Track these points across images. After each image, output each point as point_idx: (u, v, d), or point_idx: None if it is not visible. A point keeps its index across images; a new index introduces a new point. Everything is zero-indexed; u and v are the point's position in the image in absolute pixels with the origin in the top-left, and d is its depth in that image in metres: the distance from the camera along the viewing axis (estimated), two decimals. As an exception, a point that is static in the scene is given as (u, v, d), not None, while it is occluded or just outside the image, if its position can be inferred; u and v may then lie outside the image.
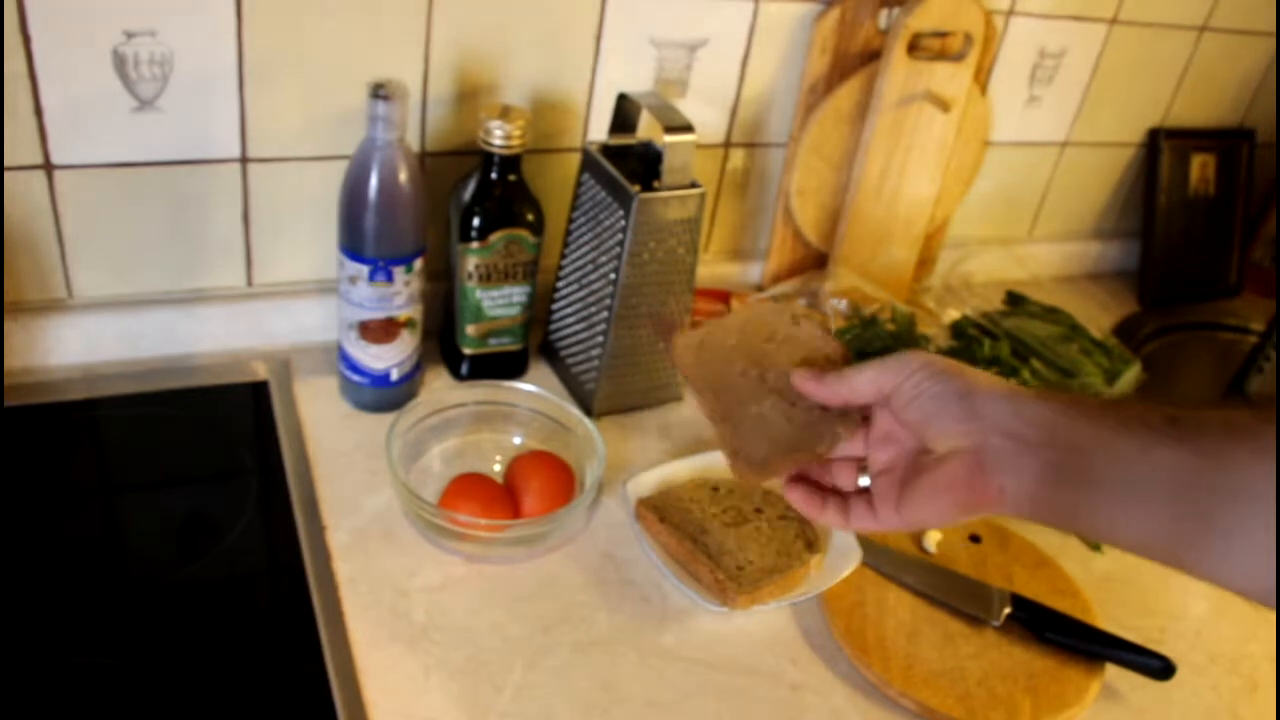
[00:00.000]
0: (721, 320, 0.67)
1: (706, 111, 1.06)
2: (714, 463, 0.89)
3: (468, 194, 0.91)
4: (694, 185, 0.90)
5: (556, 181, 1.00)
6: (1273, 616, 0.89)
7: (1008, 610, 0.81)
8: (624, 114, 0.94)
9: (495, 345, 0.97)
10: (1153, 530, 0.52)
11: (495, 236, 0.91)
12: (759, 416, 0.64)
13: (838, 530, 0.64)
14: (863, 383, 0.60)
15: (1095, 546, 0.93)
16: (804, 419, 0.63)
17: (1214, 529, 0.49)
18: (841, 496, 0.63)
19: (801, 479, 0.64)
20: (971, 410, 0.56)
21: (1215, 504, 0.49)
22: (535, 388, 0.91)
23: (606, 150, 0.93)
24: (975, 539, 0.89)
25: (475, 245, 0.91)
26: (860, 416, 0.62)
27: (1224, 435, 0.50)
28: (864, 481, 0.63)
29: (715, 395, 0.65)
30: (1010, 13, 1.14)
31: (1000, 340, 1.11)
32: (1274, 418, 0.49)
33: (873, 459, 0.62)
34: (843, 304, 1.10)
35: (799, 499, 0.64)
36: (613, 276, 0.91)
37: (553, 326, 1.01)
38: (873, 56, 1.06)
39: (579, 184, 0.95)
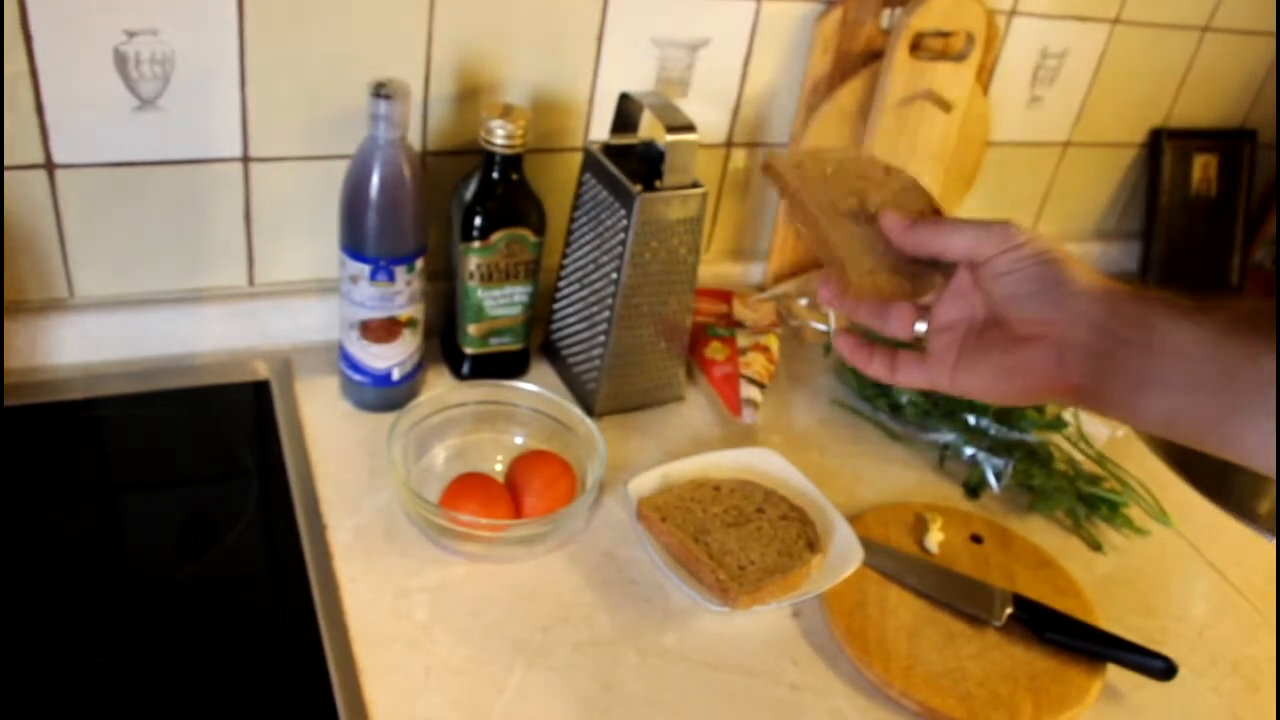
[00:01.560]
0: (816, 149, 0.65)
1: (708, 111, 1.05)
2: (715, 462, 0.89)
3: (469, 193, 0.91)
4: (696, 185, 0.89)
5: (558, 181, 1.00)
6: (1274, 618, 0.89)
7: (1009, 610, 0.81)
8: (626, 113, 0.94)
9: (497, 345, 0.97)
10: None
11: (497, 236, 0.91)
12: (866, 235, 0.61)
13: (883, 381, 0.63)
14: (958, 241, 0.58)
15: (1097, 547, 0.93)
16: (902, 256, 0.61)
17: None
18: (888, 349, 0.62)
19: (847, 328, 0.64)
20: (1065, 301, 0.54)
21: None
22: (536, 387, 0.91)
23: (608, 150, 0.93)
24: (977, 539, 0.89)
25: (477, 244, 0.91)
26: (953, 268, 0.60)
27: None
28: (920, 328, 0.61)
29: (820, 210, 0.62)
30: (1012, 13, 1.13)
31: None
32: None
33: (938, 313, 0.61)
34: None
35: (846, 347, 0.63)
36: (614, 276, 0.91)
37: (554, 326, 1.01)
38: (875, 56, 1.06)
39: (581, 183, 0.95)
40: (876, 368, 0.62)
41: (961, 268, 0.60)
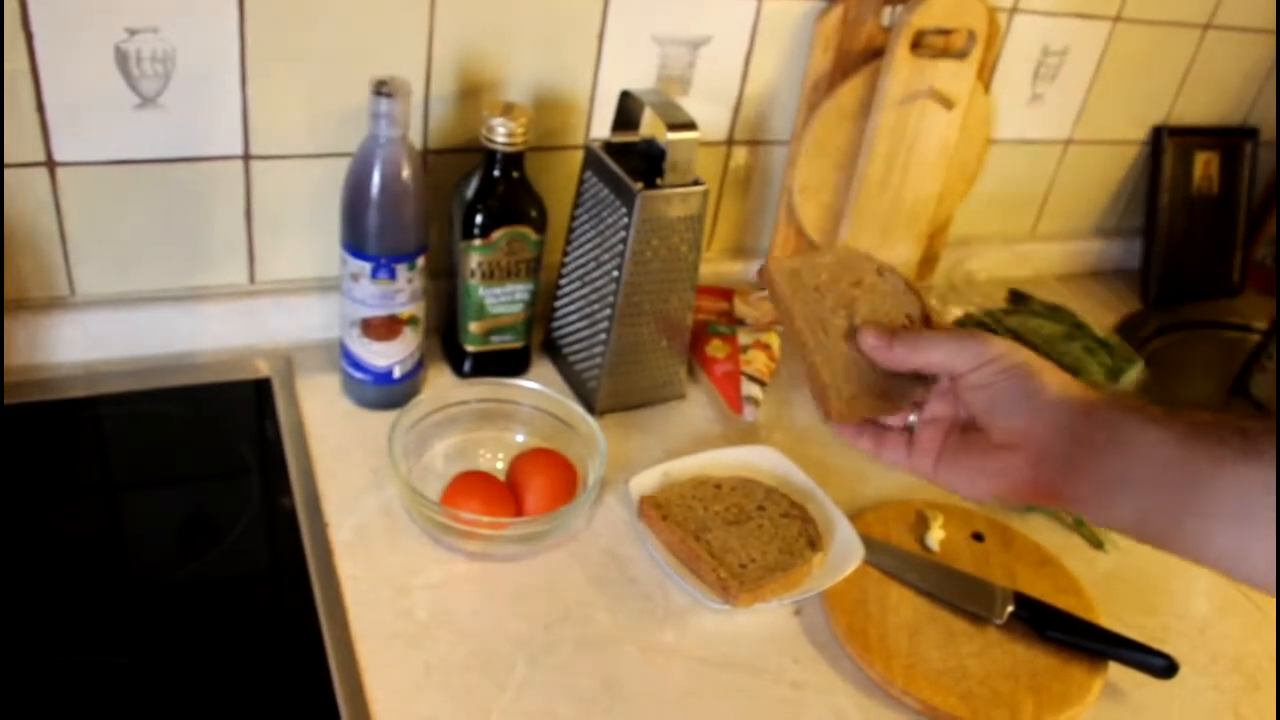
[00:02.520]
0: (811, 256, 0.67)
1: (709, 109, 1.05)
2: (716, 460, 0.89)
3: (470, 191, 0.91)
4: (697, 183, 0.89)
5: (559, 179, 1.00)
6: (1274, 615, 0.89)
7: (1010, 609, 0.81)
8: (627, 111, 0.94)
9: (498, 343, 0.97)
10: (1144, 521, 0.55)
11: (498, 234, 0.91)
12: (849, 357, 0.64)
13: (867, 455, 0.66)
14: (934, 357, 0.61)
15: (1099, 545, 0.93)
16: (885, 372, 0.64)
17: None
18: (878, 429, 0.65)
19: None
20: (1039, 412, 0.57)
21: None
22: (538, 385, 0.91)
23: (609, 148, 0.93)
24: (978, 537, 0.89)
25: (478, 242, 0.91)
26: (935, 379, 0.64)
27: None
28: (911, 419, 0.64)
29: (808, 326, 0.65)
30: (1014, 10, 1.13)
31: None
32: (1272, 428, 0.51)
33: (926, 407, 0.64)
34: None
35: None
36: (615, 274, 0.91)
37: (555, 324, 1.01)
38: (876, 54, 1.06)
39: (582, 181, 0.95)
40: (864, 443, 0.66)
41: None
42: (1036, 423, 0.57)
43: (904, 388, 0.64)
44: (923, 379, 0.64)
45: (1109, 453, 0.55)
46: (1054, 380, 0.58)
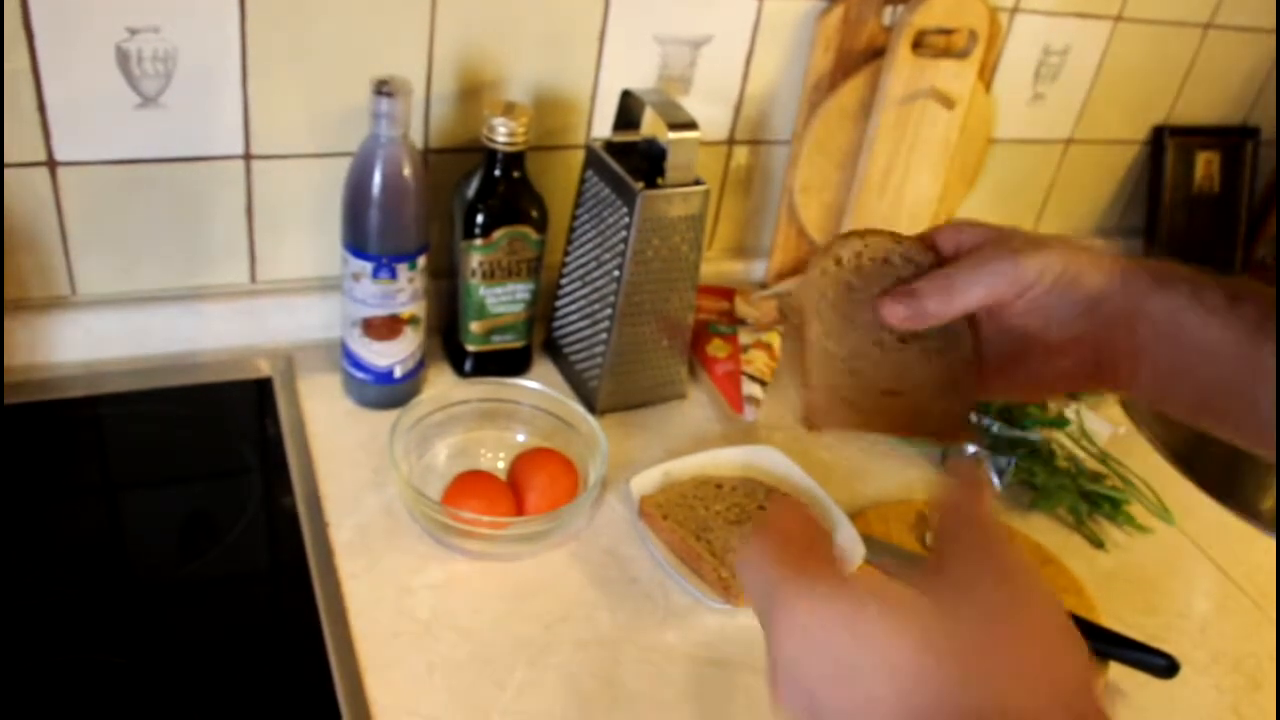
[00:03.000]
0: (819, 278, 0.58)
1: (710, 109, 1.05)
2: (717, 460, 0.89)
3: (471, 191, 0.91)
4: (698, 182, 0.89)
5: (560, 178, 1.00)
6: (1275, 615, 0.89)
7: (1011, 608, 0.81)
8: (628, 111, 0.94)
9: (499, 342, 0.97)
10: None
11: (499, 233, 0.91)
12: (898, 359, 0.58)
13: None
14: (973, 298, 0.54)
15: (1099, 544, 0.93)
16: (935, 353, 0.58)
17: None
18: None
19: None
20: (1094, 315, 0.53)
21: None
22: (539, 385, 0.91)
23: (610, 147, 0.93)
24: (979, 537, 0.89)
25: (479, 242, 0.91)
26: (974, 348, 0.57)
27: None
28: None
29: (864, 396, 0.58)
30: (1015, 10, 1.13)
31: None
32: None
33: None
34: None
35: None
36: (616, 274, 0.91)
37: (556, 323, 1.01)
38: (877, 54, 1.06)
39: (583, 181, 0.95)
40: None
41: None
42: (1093, 322, 0.53)
43: (951, 349, 0.57)
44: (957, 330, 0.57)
45: (1170, 345, 0.52)
46: (1096, 273, 0.53)
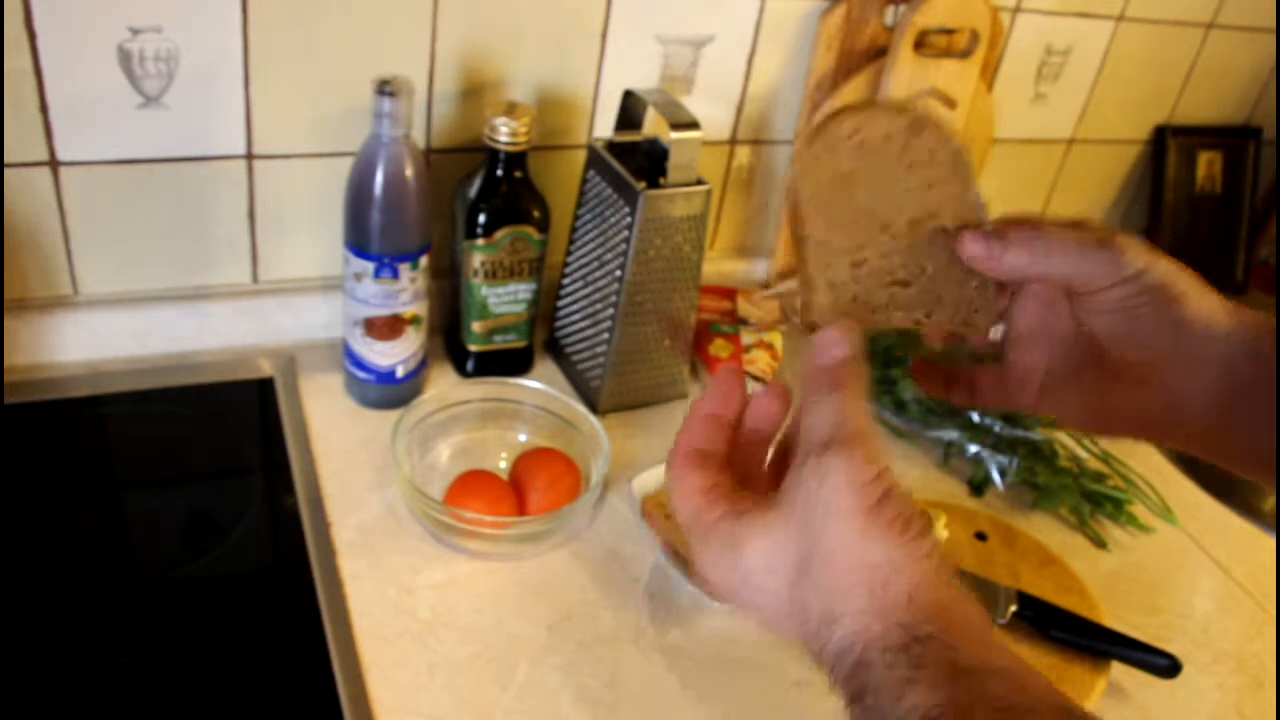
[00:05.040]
0: (872, 110, 0.52)
1: (712, 108, 1.05)
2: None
3: (473, 191, 0.91)
4: (700, 182, 0.89)
5: (562, 178, 1.00)
6: (1277, 614, 0.89)
7: (1014, 608, 0.81)
8: (630, 111, 0.94)
9: (501, 342, 0.97)
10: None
11: (501, 233, 0.91)
12: (910, 249, 0.53)
13: (964, 405, 0.59)
14: (1058, 270, 0.49)
15: (1102, 544, 0.93)
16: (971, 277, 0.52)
17: None
18: (967, 373, 0.56)
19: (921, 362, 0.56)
20: (1186, 345, 0.47)
21: None
22: (541, 385, 0.91)
23: (612, 147, 0.93)
24: (981, 537, 0.89)
25: (481, 242, 0.91)
26: (1005, 296, 0.52)
27: None
28: (996, 334, 0.53)
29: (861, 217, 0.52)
30: (1017, 10, 1.13)
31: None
32: None
33: (1019, 322, 0.52)
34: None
35: (922, 379, 0.57)
36: (618, 273, 0.91)
37: (558, 323, 1.01)
38: (879, 53, 1.06)
39: (585, 181, 0.95)
40: (958, 395, 0.56)
41: (1033, 297, 0.52)
42: (1178, 358, 0.47)
43: (979, 297, 0.52)
44: (1002, 288, 0.51)
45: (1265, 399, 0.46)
46: (1203, 305, 0.47)
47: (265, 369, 0.96)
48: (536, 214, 0.92)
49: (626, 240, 0.89)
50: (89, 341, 0.92)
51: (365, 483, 0.85)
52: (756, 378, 1.00)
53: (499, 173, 0.90)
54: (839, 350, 0.47)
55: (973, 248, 0.50)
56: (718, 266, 1.15)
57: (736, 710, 0.72)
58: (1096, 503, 0.95)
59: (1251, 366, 0.47)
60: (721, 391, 0.52)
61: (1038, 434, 0.99)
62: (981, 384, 0.55)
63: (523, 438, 0.91)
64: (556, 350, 1.02)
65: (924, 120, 0.52)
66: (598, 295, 0.94)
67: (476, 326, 0.95)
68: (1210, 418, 0.48)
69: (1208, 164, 1.39)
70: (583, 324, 0.97)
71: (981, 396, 0.55)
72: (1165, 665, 0.78)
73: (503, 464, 0.89)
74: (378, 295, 0.86)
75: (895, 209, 0.52)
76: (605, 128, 0.98)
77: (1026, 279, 0.50)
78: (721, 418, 0.51)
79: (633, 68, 0.99)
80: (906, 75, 1.05)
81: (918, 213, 0.52)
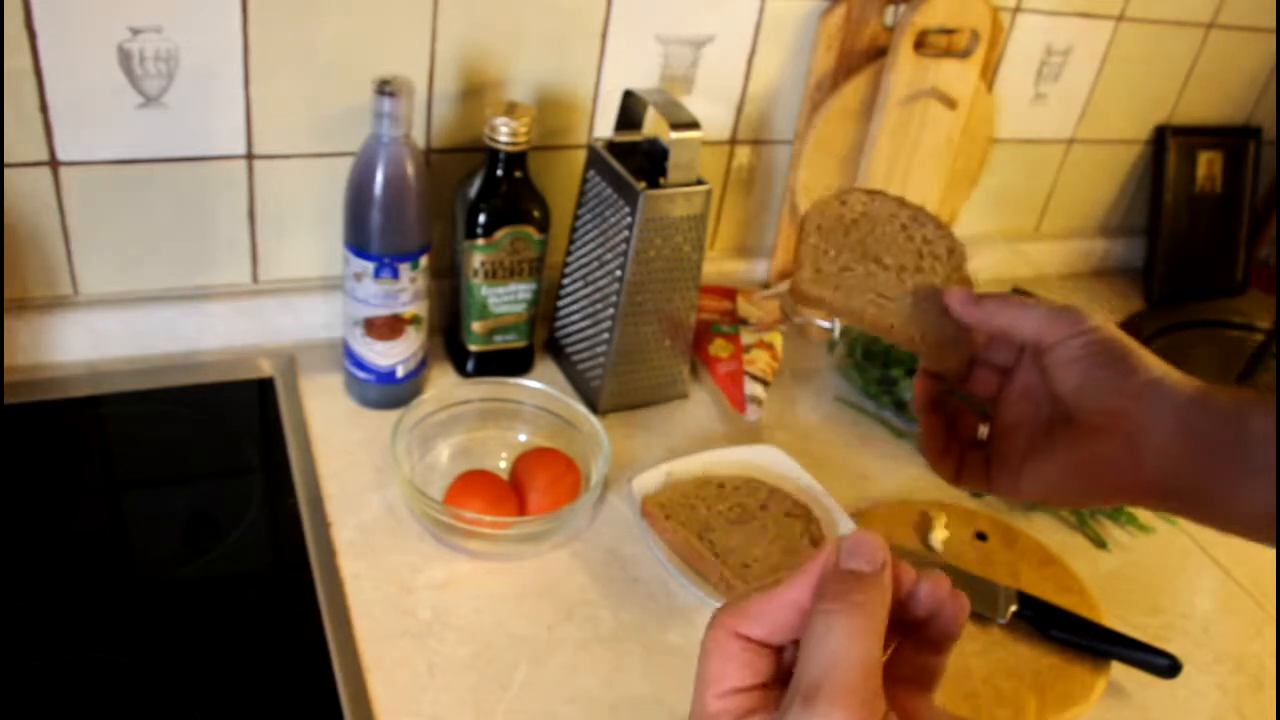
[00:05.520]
0: (846, 191, 0.63)
1: (712, 108, 1.05)
2: (719, 460, 0.89)
3: (473, 191, 0.91)
4: (700, 182, 0.89)
5: (562, 178, 1.00)
6: (1277, 615, 0.89)
7: (1014, 608, 0.81)
8: (630, 111, 0.94)
9: (501, 342, 0.97)
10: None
11: (501, 233, 0.91)
12: (902, 295, 0.61)
13: (948, 483, 0.61)
14: (1024, 325, 0.55)
15: (1102, 544, 0.93)
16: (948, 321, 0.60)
17: None
18: (957, 451, 0.60)
19: (935, 419, 0.61)
20: (1139, 391, 0.52)
21: None
22: (541, 385, 0.91)
23: (612, 147, 0.93)
24: (981, 537, 0.89)
25: (481, 242, 0.91)
26: (969, 354, 0.59)
27: None
28: (983, 431, 0.60)
29: (851, 254, 0.62)
30: (1017, 9, 1.13)
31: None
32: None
33: (1003, 413, 0.58)
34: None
35: (926, 432, 0.61)
36: (618, 273, 0.91)
37: (558, 323, 1.01)
38: (879, 53, 1.06)
39: (585, 181, 0.95)
40: (944, 468, 0.60)
41: (1024, 362, 0.58)
42: (1136, 404, 0.52)
43: (952, 336, 0.60)
44: (956, 343, 0.59)
45: (1236, 445, 0.50)
46: (1153, 362, 0.53)
47: (265, 369, 0.96)
48: (536, 214, 0.92)
49: (626, 240, 0.89)
50: (89, 341, 0.92)
51: (365, 483, 0.85)
52: (757, 377, 1.00)
53: (499, 173, 0.90)
54: (868, 562, 0.40)
55: (956, 296, 0.58)
56: (718, 266, 1.15)
57: (736, 710, 0.72)
58: (1096, 503, 0.95)
59: (1203, 415, 0.51)
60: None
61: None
62: (968, 466, 0.60)
63: (523, 438, 0.91)
64: (556, 350, 1.02)
65: (926, 216, 0.62)
66: (598, 295, 0.94)
67: (476, 326, 0.95)
68: (1180, 469, 0.51)
69: (1208, 164, 1.39)
70: (583, 324, 0.97)
71: (965, 477, 0.60)
72: (1165, 665, 0.78)
73: (503, 464, 0.89)
74: (378, 295, 0.86)
75: (890, 255, 0.61)
76: (605, 128, 0.98)
77: (997, 328, 0.57)
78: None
79: (633, 68, 0.99)
80: (907, 75, 1.05)
81: (910, 266, 0.61)
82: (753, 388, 0.99)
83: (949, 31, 1.07)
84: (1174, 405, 0.51)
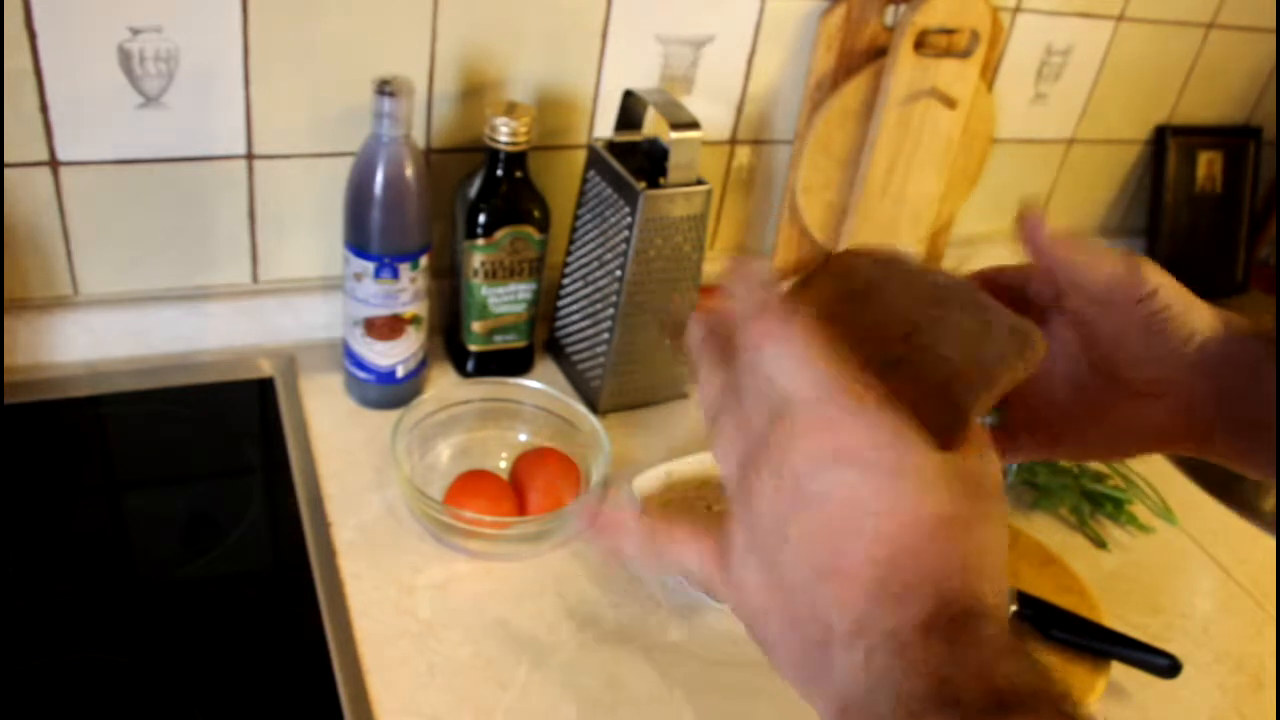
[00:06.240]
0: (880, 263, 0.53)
1: (712, 108, 1.05)
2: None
3: (473, 191, 0.91)
4: (700, 182, 0.89)
5: (562, 178, 1.00)
6: (1278, 615, 0.89)
7: (1014, 608, 0.81)
8: (630, 111, 0.94)
9: (501, 342, 0.97)
10: None
11: (501, 233, 0.91)
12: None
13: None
14: (1097, 275, 0.50)
15: (1102, 544, 0.93)
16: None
17: None
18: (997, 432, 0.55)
19: None
20: (1188, 358, 0.49)
21: None
22: (541, 385, 0.91)
23: (612, 147, 0.93)
24: (981, 537, 0.89)
25: (481, 242, 0.91)
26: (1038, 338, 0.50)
27: None
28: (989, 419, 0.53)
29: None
30: (1017, 9, 1.13)
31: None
32: None
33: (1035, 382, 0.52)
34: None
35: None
36: (618, 273, 0.91)
37: (558, 323, 1.01)
38: (879, 53, 1.06)
39: (585, 181, 0.95)
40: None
41: (1056, 318, 0.53)
42: (1185, 369, 0.49)
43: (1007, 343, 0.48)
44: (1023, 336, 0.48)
45: (1254, 398, 0.48)
46: (1205, 314, 0.50)
47: (265, 369, 0.96)
48: (536, 214, 0.92)
49: (626, 240, 0.89)
50: (89, 341, 0.92)
51: (365, 483, 0.85)
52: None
53: (499, 173, 0.90)
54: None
55: (1030, 223, 0.51)
56: (718, 267, 1.15)
57: (737, 710, 0.72)
58: (1097, 503, 0.95)
59: (1231, 374, 0.49)
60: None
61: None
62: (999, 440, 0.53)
63: (523, 438, 0.91)
64: (556, 350, 1.02)
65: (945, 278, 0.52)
66: (598, 295, 0.94)
67: (476, 326, 0.95)
68: (1222, 419, 0.50)
69: (1208, 164, 1.39)
70: (583, 324, 0.97)
71: (1008, 454, 0.55)
72: (1165, 665, 0.78)
73: (503, 464, 0.89)
74: (378, 295, 0.86)
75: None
76: (605, 128, 0.98)
77: (1070, 273, 0.51)
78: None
79: (633, 68, 0.99)
80: (907, 75, 1.05)
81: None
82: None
83: (949, 31, 1.07)
84: (1212, 364, 0.49)
